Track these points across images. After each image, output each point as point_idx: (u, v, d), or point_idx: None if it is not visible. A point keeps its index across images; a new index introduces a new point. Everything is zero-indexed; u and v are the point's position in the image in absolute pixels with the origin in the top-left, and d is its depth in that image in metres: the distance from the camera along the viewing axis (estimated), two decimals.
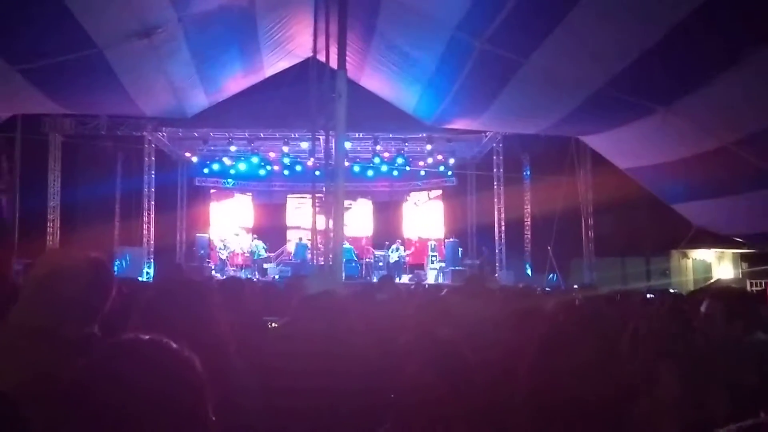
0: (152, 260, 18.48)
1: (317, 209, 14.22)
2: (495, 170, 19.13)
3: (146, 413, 1.14)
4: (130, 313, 2.18)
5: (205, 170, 21.31)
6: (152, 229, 18.72)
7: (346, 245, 18.00)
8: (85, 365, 1.23)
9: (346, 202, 18.49)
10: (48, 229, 16.91)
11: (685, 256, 18.06)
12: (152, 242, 18.69)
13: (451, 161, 20.58)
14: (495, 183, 19.15)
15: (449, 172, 21.27)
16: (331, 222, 9.59)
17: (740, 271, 18.00)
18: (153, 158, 18.81)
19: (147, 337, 1.29)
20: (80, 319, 2.03)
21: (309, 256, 18.05)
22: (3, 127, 13.77)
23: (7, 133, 14.58)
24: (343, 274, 10.22)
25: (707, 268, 18.11)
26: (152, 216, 18.77)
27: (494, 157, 19.09)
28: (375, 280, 17.99)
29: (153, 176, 18.80)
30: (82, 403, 1.17)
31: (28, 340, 1.91)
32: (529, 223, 19.36)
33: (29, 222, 16.08)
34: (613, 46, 9.08)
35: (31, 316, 1.98)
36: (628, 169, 14.13)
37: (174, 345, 1.28)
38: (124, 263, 17.30)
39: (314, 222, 15.62)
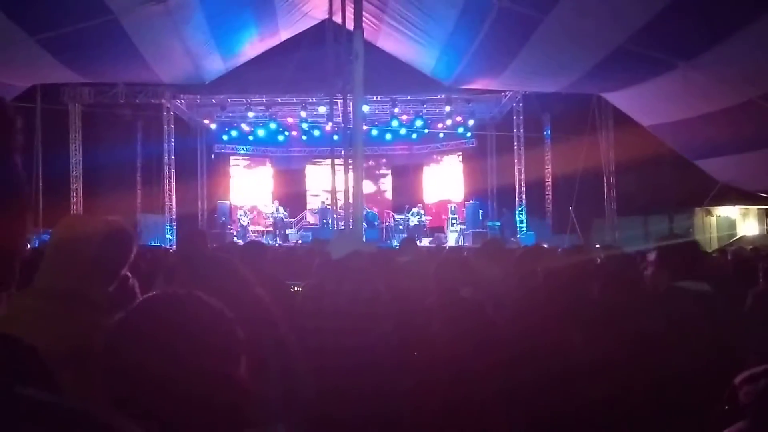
0: (174, 227, 18.65)
1: (336, 174, 14.21)
2: (515, 130, 18.90)
3: (179, 368, 1.13)
4: (154, 280, 2.20)
5: (224, 137, 21.33)
6: (173, 196, 18.84)
7: (368, 209, 18.04)
8: (120, 321, 1.23)
9: (372, 167, 18.57)
10: (71, 198, 17.11)
11: (709, 213, 17.83)
12: (173, 209, 18.82)
13: (471, 122, 20.35)
14: (515, 143, 18.93)
15: (468, 134, 21.06)
16: (351, 186, 9.58)
17: (765, 227, 17.78)
18: (172, 126, 18.82)
19: (181, 291, 1.27)
20: (101, 282, 2.05)
21: (330, 220, 18.12)
22: (23, 98, 13.85)
23: (26, 103, 14.65)
24: (364, 238, 10.26)
25: (732, 225, 17.88)
26: (173, 183, 18.86)
27: (514, 117, 18.83)
28: (395, 243, 18.05)
29: (173, 144, 18.84)
30: (116, 360, 1.17)
31: (54, 302, 1.93)
32: (550, 183, 19.18)
33: (52, 191, 16.28)
34: (634, 0, 8.88)
35: (54, 280, 1.99)
36: (650, 126, 13.93)
37: (207, 299, 1.26)
38: (146, 230, 17.48)
39: (333, 187, 15.63)
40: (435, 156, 22.87)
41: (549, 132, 19.29)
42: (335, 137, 16.32)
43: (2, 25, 8.66)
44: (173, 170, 18.87)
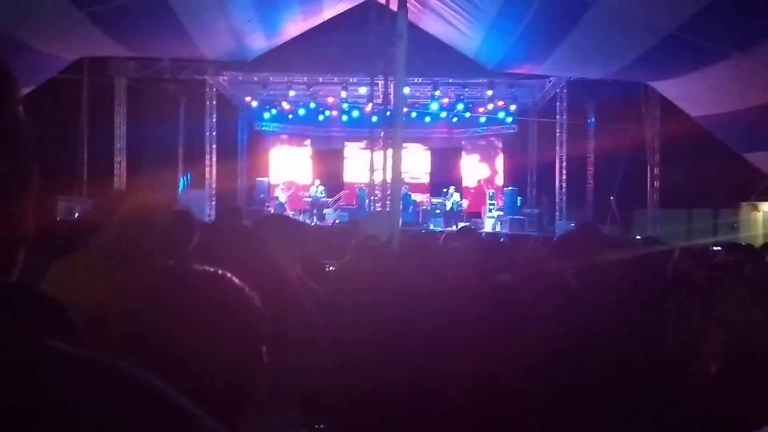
0: (214, 203, 18.89)
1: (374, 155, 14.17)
2: (558, 117, 18.59)
3: (198, 341, 1.15)
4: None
5: (265, 115, 21.44)
6: (214, 173, 19.07)
7: (405, 191, 18.00)
8: (148, 288, 1.25)
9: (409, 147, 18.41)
10: (114, 170, 17.43)
11: (756, 208, 17.29)
12: (214, 185, 19.05)
13: (512, 107, 20.08)
14: (557, 130, 18.63)
15: (510, 119, 20.78)
16: (389, 168, 9.54)
17: None
18: (214, 102, 19.00)
19: (211, 269, 1.29)
20: (166, 253, 2.20)
21: (366, 201, 18.11)
22: (70, 70, 14.11)
23: (74, 75, 14.92)
24: (401, 220, 10.22)
25: None
26: (214, 159, 19.08)
27: (557, 103, 18.51)
28: (432, 227, 18.00)
29: (214, 120, 19.03)
30: (139, 325, 1.21)
31: (114, 263, 2.09)
32: (592, 172, 18.85)
33: (96, 163, 16.61)
34: None
35: (118, 244, 2.15)
36: (698, 117, 13.56)
37: (235, 279, 1.28)
38: (186, 205, 17.70)
39: (372, 168, 15.61)
40: (475, 140, 22.64)
41: (593, 119, 18.92)
42: (374, 118, 16.25)
43: None
44: (214, 146, 19.08)
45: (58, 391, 0.57)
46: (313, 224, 16.15)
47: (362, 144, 21.37)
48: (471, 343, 2.29)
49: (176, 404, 0.63)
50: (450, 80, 18.35)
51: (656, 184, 17.64)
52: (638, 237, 12.42)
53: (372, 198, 17.02)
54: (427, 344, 2.46)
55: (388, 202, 9.80)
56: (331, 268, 4.70)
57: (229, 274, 1.28)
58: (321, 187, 20.68)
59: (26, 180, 0.68)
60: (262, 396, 1.26)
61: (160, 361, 1.13)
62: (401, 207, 11.46)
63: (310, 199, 20.66)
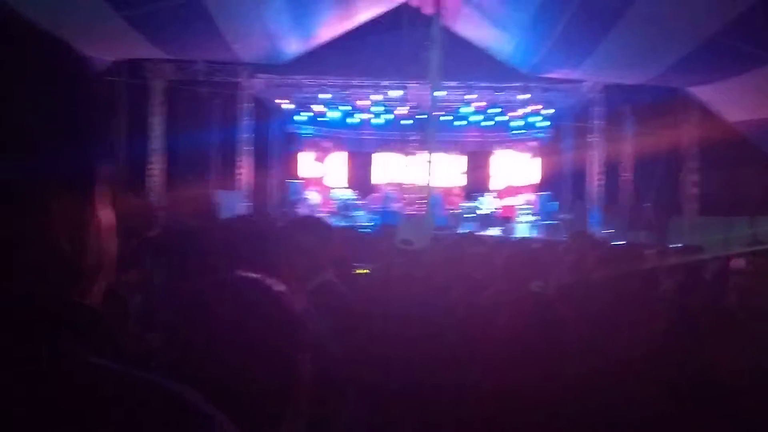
0: (247, 204, 19.03)
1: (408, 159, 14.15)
2: (594, 122, 18.35)
3: (238, 352, 1.14)
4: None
5: (298, 118, 21.55)
6: (247, 174, 19.22)
7: (437, 195, 17.94)
8: (190, 294, 1.25)
9: (441, 154, 18.37)
10: (151, 171, 17.68)
11: None
12: (247, 187, 19.21)
13: (548, 111, 19.87)
14: (593, 135, 18.40)
15: (545, 123, 20.57)
16: (423, 172, 9.51)
17: None
18: (248, 105, 19.17)
19: (253, 275, 1.28)
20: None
21: (398, 205, 18.10)
22: (107, 72, 14.34)
23: (112, 76, 15.17)
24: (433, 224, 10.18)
25: None
26: (247, 161, 19.24)
27: (593, 109, 18.28)
28: (461, 230, 17.90)
29: (248, 123, 19.20)
30: (178, 329, 1.21)
31: None
32: (628, 177, 18.57)
33: (133, 163, 16.86)
34: None
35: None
36: (737, 123, 13.27)
37: (276, 286, 1.27)
38: (221, 206, 17.87)
39: (404, 171, 15.58)
40: (509, 144, 22.45)
41: (629, 125, 18.63)
42: (409, 122, 16.22)
43: (91, 3, 8.98)
44: (247, 148, 19.24)
45: (106, 409, 0.61)
46: (344, 226, 16.17)
47: (395, 147, 21.37)
48: (503, 359, 2.24)
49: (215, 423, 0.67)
50: (484, 84, 18.25)
51: (693, 191, 17.30)
52: (677, 245, 12.17)
53: (403, 202, 17.00)
54: (457, 356, 2.42)
55: (423, 206, 9.77)
56: (361, 271, 4.67)
57: (269, 281, 1.27)
58: (349, 190, 20.77)
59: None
60: (303, 406, 1.24)
61: (202, 372, 1.13)
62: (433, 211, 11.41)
63: (340, 202, 20.73)
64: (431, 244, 3.26)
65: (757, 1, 8.07)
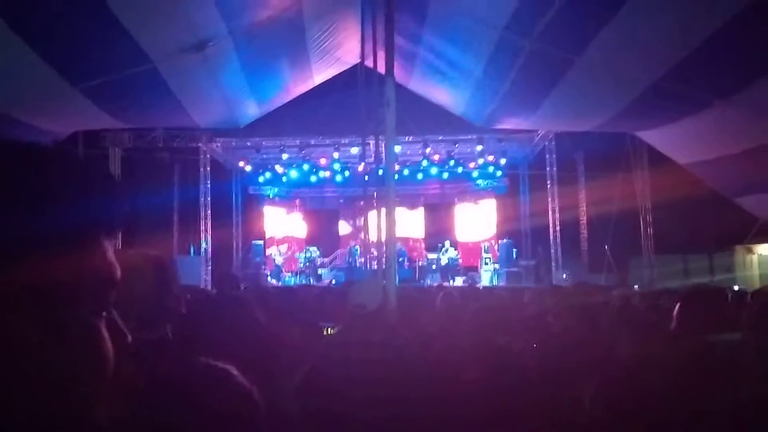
0: (210, 268, 18.85)
1: (368, 214, 14.26)
2: (548, 169, 18.82)
3: None
4: (198, 320, 2.22)
5: (259, 179, 21.62)
6: (209, 238, 19.10)
7: (400, 248, 18.02)
8: (152, 380, 1.26)
9: (402, 208, 18.62)
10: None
11: (750, 251, 17.37)
12: (209, 250, 19.06)
13: (503, 161, 20.34)
14: (548, 182, 18.85)
15: (500, 173, 21.02)
16: (383, 226, 9.59)
17: None
18: (208, 168, 19.20)
19: (214, 364, 1.29)
20: (151, 319, 2.03)
21: (362, 260, 18.11)
22: (64, 143, 14.24)
23: (68, 147, 15.07)
24: (397, 278, 10.20)
25: None
26: (209, 224, 19.15)
27: (547, 156, 18.79)
28: (428, 282, 17.95)
29: (209, 186, 19.19)
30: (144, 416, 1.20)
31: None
32: (584, 221, 18.98)
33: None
34: (669, 37, 8.83)
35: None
36: (687, 164, 13.70)
37: (239, 378, 1.28)
38: (182, 271, 17.68)
39: (366, 226, 15.66)
40: (467, 195, 22.84)
41: (582, 170, 19.16)
42: (366, 178, 16.39)
43: (47, 77, 8.98)
44: (209, 211, 19.17)
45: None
46: (309, 285, 16.09)
47: (356, 203, 21.52)
48: (471, 412, 2.28)
49: None
50: (440, 137, 18.64)
51: (650, 231, 17.74)
52: (635, 285, 12.44)
53: (368, 256, 17.02)
54: (425, 412, 2.45)
55: (381, 262, 9.80)
56: (329, 331, 4.68)
57: (234, 371, 1.27)
58: (314, 248, 20.75)
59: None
60: None
61: None
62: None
63: (305, 260, 20.67)
64: (389, 304, 3.31)
65: (702, 43, 8.42)
